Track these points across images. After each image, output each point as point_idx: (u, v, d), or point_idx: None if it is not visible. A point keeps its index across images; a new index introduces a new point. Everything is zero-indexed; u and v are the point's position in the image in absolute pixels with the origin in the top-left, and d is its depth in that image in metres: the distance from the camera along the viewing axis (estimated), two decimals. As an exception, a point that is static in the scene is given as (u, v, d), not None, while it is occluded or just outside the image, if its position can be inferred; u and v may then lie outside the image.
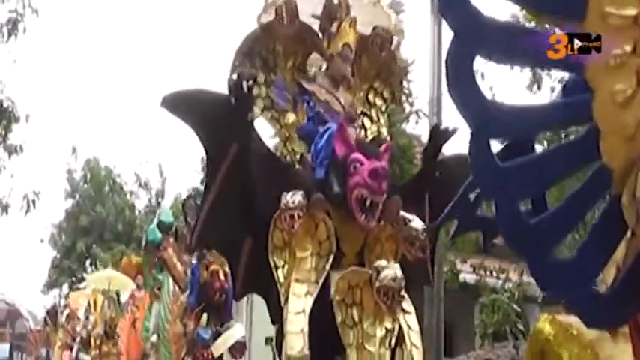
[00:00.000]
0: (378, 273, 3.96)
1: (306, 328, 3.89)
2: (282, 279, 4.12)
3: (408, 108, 10.16)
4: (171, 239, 8.93)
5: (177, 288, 8.64)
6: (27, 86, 39.10)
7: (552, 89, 9.27)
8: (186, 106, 4.23)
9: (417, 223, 4.23)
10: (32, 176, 28.69)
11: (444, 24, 1.88)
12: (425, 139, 11.01)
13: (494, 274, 10.45)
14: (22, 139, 12.78)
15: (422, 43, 4.63)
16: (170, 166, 40.09)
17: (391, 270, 3.95)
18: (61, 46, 55.15)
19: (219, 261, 7.47)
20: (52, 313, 18.31)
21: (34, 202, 13.33)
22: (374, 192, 4.03)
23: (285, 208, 4.07)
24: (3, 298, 28.75)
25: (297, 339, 3.86)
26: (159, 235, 9.05)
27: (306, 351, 3.84)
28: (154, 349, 9.45)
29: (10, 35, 11.61)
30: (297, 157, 4.52)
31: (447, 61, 1.86)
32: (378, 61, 4.90)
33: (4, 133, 12.35)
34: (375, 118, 4.89)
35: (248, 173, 4.20)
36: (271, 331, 4.75)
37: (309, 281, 4.05)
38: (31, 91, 33.50)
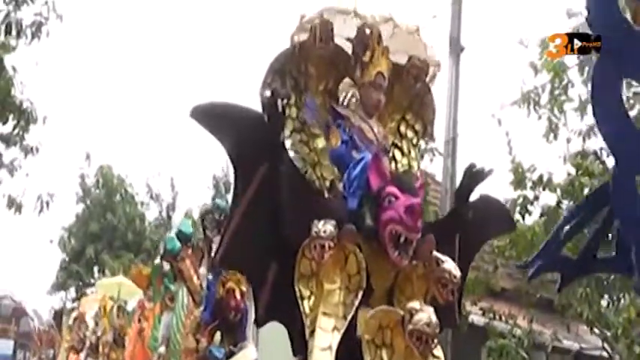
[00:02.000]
0: (412, 315, 3.81)
1: None
2: (307, 310, 3.98)
3: (422, 145, 10.14)
4: (190, 251, 8.83)
5: (191, 301, 8.51)
6: (46, 89, 39.23)
7: (569, 140, 9.09)
8: (218, 119, 4.08)
9: (449, 264, 4.10)
10: (46, 177, 28.72)
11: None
12: (439, 177, 10.97)
13: (503, 318, 10.24)
14: (39, 140, 12.87)
15: (439, 84, 4.60)
16: (182, 181, 39.85)
17: (425, 314, 3.79)
18: (83, 52, 54.98)
19: (236, 279, 7.38)
20: (59, 314, 18.30)
21: (47, 203, 13.40)
22: (409, 229, 3.90)
23: (316, 236, 3.94)
24: (10, 295, 28.75)
25: None
26: (178, 244, 8.93)
27: None
28: (162, 360, 9.31)
29: (33, 38, 11.59)
30: (327, 183, 4.37)
31: (592, 84, 1.74)
32: (411, 92, 4.78)
33: (21, 133, 12.42)
34: (405, 150, 4.75)
35: (277, 196, 4.06)
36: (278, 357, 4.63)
37: (337, 316, 3.90)
38: (50, 93, 33.54)
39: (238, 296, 7.46)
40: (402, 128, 4.79)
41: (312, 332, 3.88)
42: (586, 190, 8.42)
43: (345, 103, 4.68)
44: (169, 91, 51.30)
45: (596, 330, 9.52)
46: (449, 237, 4.32)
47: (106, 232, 29.09)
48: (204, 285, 8.09)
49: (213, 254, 4.56)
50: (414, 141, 4.83)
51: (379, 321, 3.90)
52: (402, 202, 3.94)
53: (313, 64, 4.52)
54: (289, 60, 4.47)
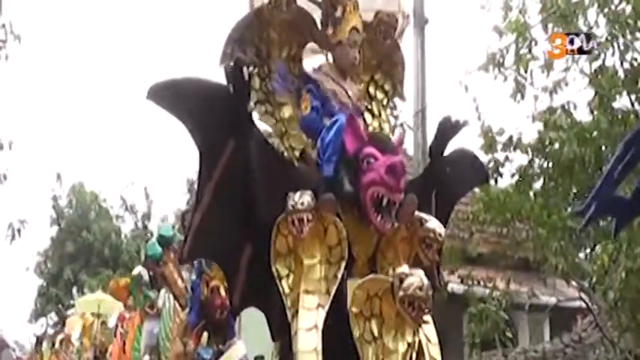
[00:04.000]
0: (402, 281, 3.48)
1: (319, 347, 3.43)
2: (287, 290, 3.65)
3: (392, 121, 10.04)
4: (172, 254, 8.44)
5: (177, 305, 8.16)
6: (9, 113, 38.57)
7: (536, 98, 8.94)
8: (177, 96, 3.70)
9: (433, 223, 3.80)
10: (16, 204, 28.32)
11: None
12: (410, 152, 10.82)
13: (482, 283, 10.18)
14: (6, 167, 12.37)
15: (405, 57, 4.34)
16: (156, 189, 39.60)
17: (416, 277, 3.47)
18: (43, 71, 54.41)
19: (220, 276, 6.99)
20: (41, 341, 17.91)
21: (19, 230, 12.91)
22: (392, 190, 3.60)
23: (293, 210, 3.61)
24: (-11, 328, 28.23)
25: (310, 359, 3.41)
26: (159, 249, 8.54)
27: None
28: (147, 370, 8.95)
29: (-8, 62, 11.10)
30: (296, 153, 4.05)
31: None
32: (381, 51, 4.43)
33: (-14, 160, 11.88)
34: (376, 112, 4.42)
35: (247, 173, 3.72)
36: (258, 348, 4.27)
37: (320, 292, 3.58)
38: (13, 117, 32.86)
39: (223, 293, 7.11)
40: (372, 89, 4.45)
41: (295, 313, 3.56)
42: (556, 145, 8.41)
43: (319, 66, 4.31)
44: (133, 100, 50.61)
45: (573, 282, 9.62)
46: (425, 196, 3.99)
47: (83, 251, 28.84)
48: (189, 287, 7.75)
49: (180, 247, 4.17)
50: (384, 102, 4.49)
51: (367, 291, 3.58)
52: (382, 162, 3.63)
53: (275, 30, 4.15)
54: (249, 27, 4.09)
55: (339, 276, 3.62)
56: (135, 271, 10.26)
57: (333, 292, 3.59)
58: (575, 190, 8.98)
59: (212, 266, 7.09)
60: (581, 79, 8.52)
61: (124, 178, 52.26)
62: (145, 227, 30.28)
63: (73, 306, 28.36)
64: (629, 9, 8.00)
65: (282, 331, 3.74)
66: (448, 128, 4.07)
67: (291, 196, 3.64)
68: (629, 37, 8.05)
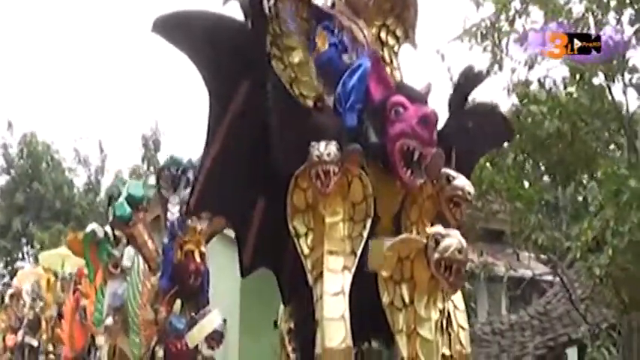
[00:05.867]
0: (437, 242, 3.16)
1: (347, 314, 3.10)
2: (306, 250, 3.31)
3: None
4: (142, 214, 8.01)
5: (147, 268, 7.67)
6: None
7: (513, 70, 8.74)
8: (185, 29, 3.36)
9: (462, 180, 3.48)
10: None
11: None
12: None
13: None
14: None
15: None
16: (110, 143, 38.82)
17: (454, 239, 3.15)
18: (-6, 16, 52.63)
19: (195, 239, 6.71)
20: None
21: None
22: (424, 142, 3.27)
23: (319, 161, 3.25)
24: None
25: (337, 328, 3.08)
26: (128, 209, 8.03)
27: (350, 342, 3.06)
28: (109, 334, 8.51)
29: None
30: (308, 102, 3.66)
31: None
32: None
33: None
34: (387, 59, 4.05)
35: (262, 118, 3.37)
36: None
37: (345, 253, 3.25)
38: (-36, 63, 31.66)
39: (198, 258, 6.73)
40: (383, 35, 4.09)
41: (318, 277, 3.23)
42: (534, 119, 8.23)
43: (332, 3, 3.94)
44: (92, 47, 49.30)
45: (547, 256, 9.52)
46: (445, 151, 3.63)
47: (33, 202, 27.99)
48: (160, 250, 7.35)
49: (187, 199, 3.77)
50: (395, 48, 4.12)
51: (397, 253, 3.26)
52: (413, 112, 3.30)
53: None
54: None
55: (365, 235, 3.30)
56: (88, 228, 9.82)
57: (359, 252, 3.27)
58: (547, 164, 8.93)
59: (186, 229, 6.78)
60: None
61: (77, 130, 51.03)
62: (98, 181, 29.67)
63: (22, 258, 27.84)
64: None
65: (295, 295, 3.47)
66: (470, 79, 3.77)
67: (315, 145, 3.30)
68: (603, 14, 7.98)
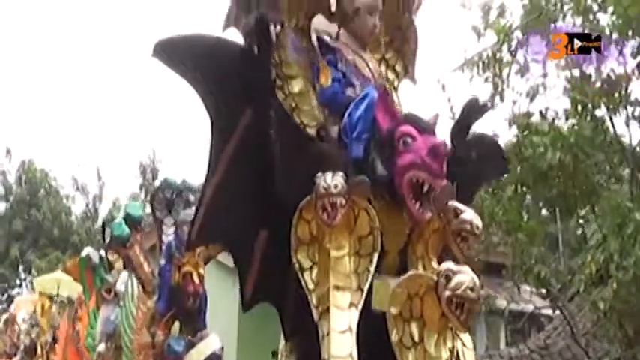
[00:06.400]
0: (448, 279, 3.07)
1: (355, 352, 2.99)
2: (311, 284, 3.20)
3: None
4: (139, 236, 7.92)
5: (142, 291, 7.58)
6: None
7: (514, 102, 8.80)
8: (189, 55, 3.29)
9: (469, 214, 3.36)
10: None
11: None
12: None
13: None
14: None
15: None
16: (108, 171, 38.90)
17: (467, 276, 3.05)
18: (-6, 44, 52.86)
19: (193, 261, 6.57)
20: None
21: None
22: (434, 175, 3.18)
23: (326, 193, 3.16)
24: None
25: None
26: (126, 230, 7.95)
27: None
28: (102, 360, 8.41)
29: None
30: (311, 131, 3.56)
31: None
32: (394, 26, 3.97)
33: None
34: None
35: (266, 147, 3.30)
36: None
37: (351, 289, 3.14)
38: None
39: (196, 280, 6.64)
40: (382, 69, 3.97)
41: (324, 312, 3.13)
42: (536, 150, 8.20)
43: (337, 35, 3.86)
44: (90, 75, 49.49)
45: (548, 290, 9.41)
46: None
47: (31, 229, 28.07)
48: (156, 272, 7.21)
49: (188, 228, 3.68)
50: (395, 84, 4.02)
51: (407, 289, 3.15)
52: (422, 143, 3.21)
53: None
54: None
55: (372, 270, 3.19)
56: (83, 253, 9.72)
57: (365, 288, 3.16)
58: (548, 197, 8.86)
59: (184, 251, 6.64)
60: (561, 84, 8.50)
61: (75, 157, 51.14)
62: (96, 209, 29.71)
63: (19, 285, 27.76)
64: (606, 18, 7.90)
65: (298, 330, 3.35)
66: (474, 110, 3.70)
67: (321, 177, 3.21)
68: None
